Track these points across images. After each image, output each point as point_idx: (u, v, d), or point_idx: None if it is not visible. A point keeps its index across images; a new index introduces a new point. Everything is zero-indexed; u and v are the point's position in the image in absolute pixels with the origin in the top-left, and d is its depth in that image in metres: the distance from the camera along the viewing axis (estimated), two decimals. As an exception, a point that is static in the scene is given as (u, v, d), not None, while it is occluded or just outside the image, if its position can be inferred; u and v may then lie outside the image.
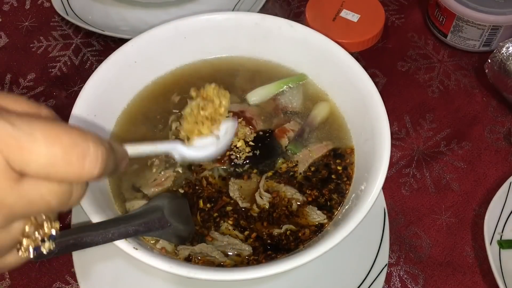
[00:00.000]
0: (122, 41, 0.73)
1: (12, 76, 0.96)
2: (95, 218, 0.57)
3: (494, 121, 0.91)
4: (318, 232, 0.63)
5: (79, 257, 0.71)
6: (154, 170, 0.68)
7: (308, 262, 0.54)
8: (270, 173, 0.68)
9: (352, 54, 0.71)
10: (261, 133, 0.70)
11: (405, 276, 0.75)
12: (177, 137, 0.70)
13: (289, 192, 0.66)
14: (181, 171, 0.67)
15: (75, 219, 0.74)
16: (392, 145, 0.74)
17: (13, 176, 0.34)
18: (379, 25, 0.94)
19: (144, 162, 0.69)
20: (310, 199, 0.66)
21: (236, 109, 0.73)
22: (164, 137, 0.71)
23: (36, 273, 0.75)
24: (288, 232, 0.63)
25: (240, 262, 0.61)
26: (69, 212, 0.80)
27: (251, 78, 0.77)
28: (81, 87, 0.67)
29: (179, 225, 0.60)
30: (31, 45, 1.00)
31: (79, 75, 0.95)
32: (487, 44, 0.96)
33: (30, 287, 0.74)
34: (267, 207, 0.65)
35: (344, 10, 0.96)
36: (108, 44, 1.00)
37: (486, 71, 0.90)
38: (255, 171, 0.68)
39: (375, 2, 0.97)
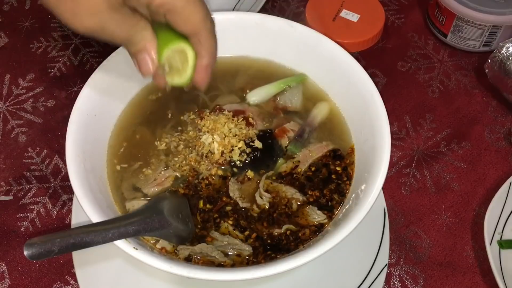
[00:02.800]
0: (122, 41, 0.73)
1: (11, 76, 0.96)
2: (95, 218, 0.57)
3: (494, 121, 0.91)
4: (318, 232, 0.63)
5: (79, 257, 0.71)
6: (154, 170, 0.68)
7: (308, 262, 0.54)
8: (270, 173, 0.68)
9: (352, 54, 0.71)
10: (261, 133, 0.70)
11: (405, 276, 0.75)
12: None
13: (289, 192, 0.66)
14: (179, 175, 0.67)
15: (75, 219, 0.74)
16: (392, 145, 0.74)
17: None
18: (379, 25, 0.94)
19: (144, 162, 0.69)
20: (311, 199, 0.66)
21: (236, 109, 0.73)
22: (164, 137, 0.71)
23: (36, 273, 0.75)
24: (288, 232, 0.63)
25: (240, 262, 0.61)
26: (69, 212, 0.80)
27: (251, 78, 0.77)
28: (81, 87, 0.67)
29: (179, 225, 0.60)
30: (31, 46, 1.00)
31: (79, 76, 0.95)
32: (487, 44, 0.96)
33: (30, 287, 0.74)
34: (267, 207, 0.65)
35: (344, 10, 0.96)
36: (108, 44, 0.99)
37: (486, 71, 0.90)
38: (255, 171, 0.68)
39: (375, 2, 0.97)
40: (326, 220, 0.64)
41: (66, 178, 0.83)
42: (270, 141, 0.70)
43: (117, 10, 0.52)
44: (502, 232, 0.75)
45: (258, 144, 0.69)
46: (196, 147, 0.69)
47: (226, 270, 0.56)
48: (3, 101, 0.92)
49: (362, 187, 0.62)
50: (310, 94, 0.75)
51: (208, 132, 0.69)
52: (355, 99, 0.69)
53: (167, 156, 0.69)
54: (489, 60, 0.89)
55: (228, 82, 0.76)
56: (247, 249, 0.62)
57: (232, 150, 0.68)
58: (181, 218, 0.61)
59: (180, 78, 0.59)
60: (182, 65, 0.59)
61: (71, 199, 0.81)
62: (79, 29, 0.53)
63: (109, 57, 0.70)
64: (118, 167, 0.68)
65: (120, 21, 0.54)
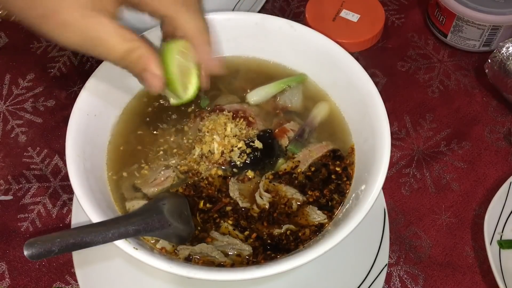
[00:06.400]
0: (122, 41, 0.73)
1: (12, 76, 0.96)
2: (95, 218, 0.57)
3: (494, 121, 0.91)
4: (318, 232, 0.63)
5: (79, 257, 0.71)
6: (154, 170, 0.68)
7: (308, 262, 0.54)
8: (270, 173, 0.68)
9: (352, 54, 0.71)
10: (261, 133, 0.70)
11: (405, 276, 0.75)
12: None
13: (289, 192, 0.66)
14: (179, 176, 0.67)
15: (75, 219, 0.74)
16: (392, 145, 0.74)
17: None
18: (379, 25, 0.94)
19: (144, 162, 0.69)
20: (311, 199, 0.66)
21: (236, 109, 0.73)
22: (164, 137, 0.71)
23: (36, 273, 0.75)
24: (288, 232, 0.63)
25: (240, 262, 0.61)
26: (69, 212, 0.80)
27: (251, 78, 0.77)
28: (81, 87, 0.67)
29: (179, 225, 0.60)
30: (31, 46, 1.00)
31: (79, 75, 0.95)
32: (487, 44, 0.96)
33: (30, 287, 0.74)
34: (267, 207, 0.65)
35: (344, 10, 0.96)
36: (108, 44, 1.00)
37: (486, 71, 0.90)
38: (255, 171, 0.68)
39: (375, 2, 0.97)
40: (326, 220, 0.64)
41: (66, 178, 0.83)
42: (270, 141, 0.70)
43: (104, 15, 0.53)
44: (502, 232, 0.75)
45: (258, 144, 0.69)
46: (196, 147, 0.69)
47: (226, 270, 0.57)
48: (3, 101, 0.92)
49: (362, 187, 0.62)
50: (310, 94, 0.75)
51: (208, 132, 0.69)
52: (355, 99, 0.69)
53: (167, 156, 0.69)
54: (489, 60, 0.90)
55: (228, 82, 0.76)
56: (247, 249, 0.62)
57: (232, 150, 0.68)
58: (181, 218, 0.61)
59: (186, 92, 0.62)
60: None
61: (71, 199, 0.81)
62: (65, 41, 0.53)
63: (109, 57, 0.70)
64: (118, 167, 0.68)
65: (109, 30, 0.54)
